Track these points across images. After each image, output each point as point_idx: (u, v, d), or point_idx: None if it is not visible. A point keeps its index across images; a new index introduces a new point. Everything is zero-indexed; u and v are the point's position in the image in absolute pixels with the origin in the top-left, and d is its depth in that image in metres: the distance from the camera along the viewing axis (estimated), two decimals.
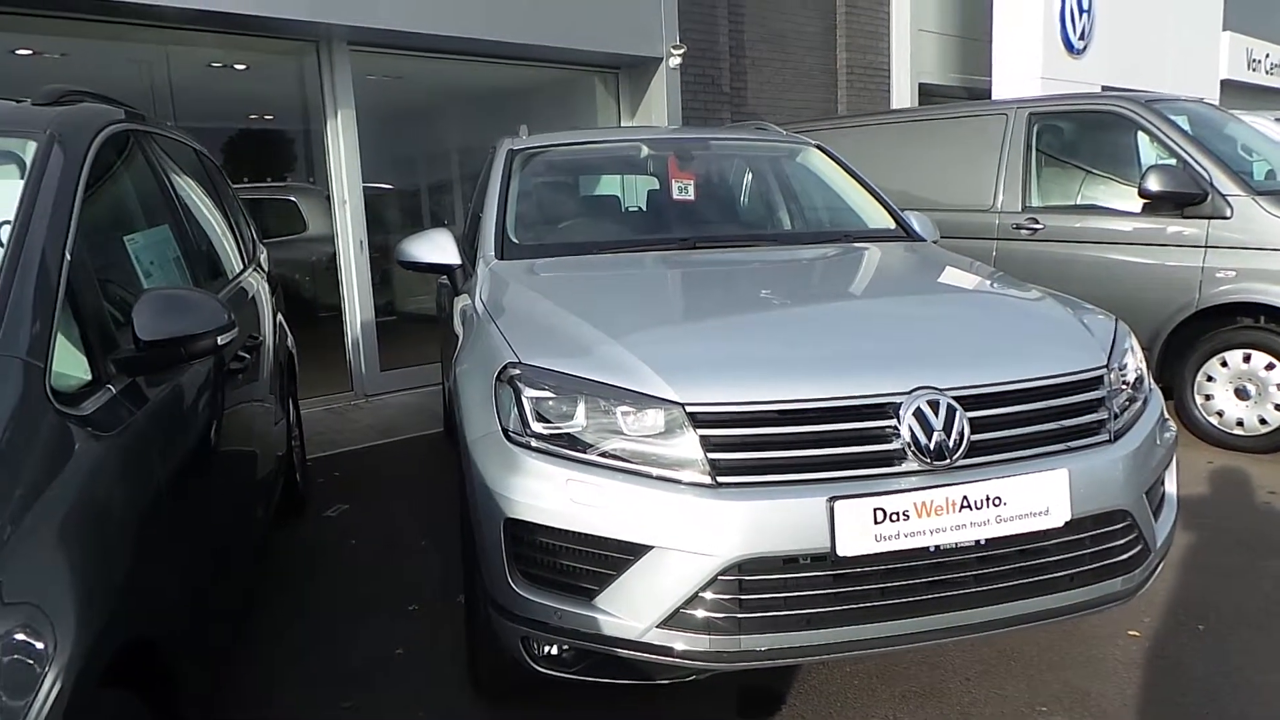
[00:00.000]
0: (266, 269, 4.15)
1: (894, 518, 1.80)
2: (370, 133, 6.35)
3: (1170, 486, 2.30)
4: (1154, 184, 4.54)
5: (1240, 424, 4.47)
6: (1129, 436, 2.07)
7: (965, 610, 1.87)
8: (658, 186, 3.44)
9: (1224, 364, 4.54)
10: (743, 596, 1.81)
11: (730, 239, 3.16)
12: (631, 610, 1.86)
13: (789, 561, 1.81)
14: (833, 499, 1.79)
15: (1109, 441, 2.04)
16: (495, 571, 2.03)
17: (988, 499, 1.85)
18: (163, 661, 1.56)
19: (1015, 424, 1.96)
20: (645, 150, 3.61)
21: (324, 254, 7.14)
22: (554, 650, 2.03)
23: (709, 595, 1.81)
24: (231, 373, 2.58)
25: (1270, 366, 4.38)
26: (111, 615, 1.34)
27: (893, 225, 3.36)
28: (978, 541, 1.85)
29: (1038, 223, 5.16)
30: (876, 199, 3.51)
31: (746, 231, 3.38)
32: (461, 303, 3.04)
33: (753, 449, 1.86)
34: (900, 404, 1.89)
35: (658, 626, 1.84)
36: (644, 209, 3.38)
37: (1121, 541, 2.02)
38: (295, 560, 3.55)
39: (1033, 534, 1.89)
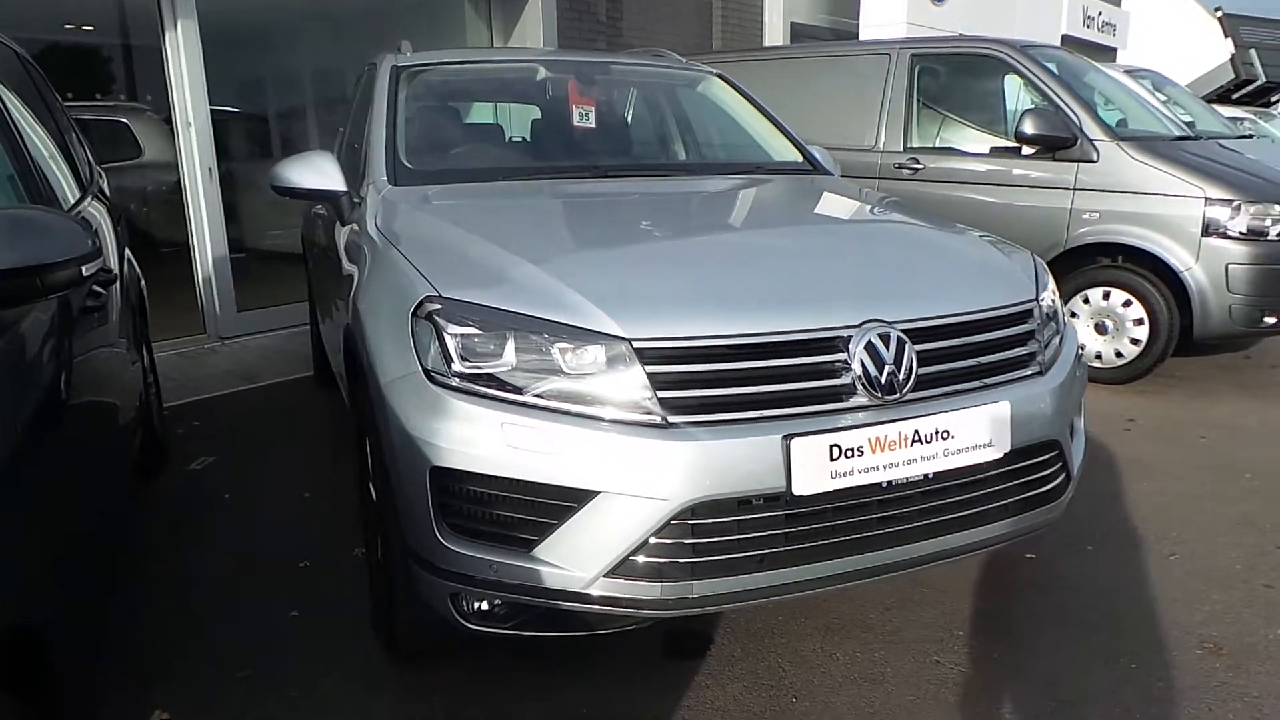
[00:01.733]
0: (108, 196, 3.68)
1: (848, 454, 1.75)
2: (217, 51, 5.73)
3: (1080, 418, 2.37)
4: (1029, 127, 4.69)
5: (1099, 357, 4.76)
6: (1056, 368, 2.11)
7: (913, 544, 1.86)
8: (558, 112, 3.23)
9: (1086, 301, 4.80)
10: (695, 541, 1.72)
11: (641, 168, 3.02)
12: (576, 560, 1.74)
13: (742, 503, 1.73)
14: (788, 437, 1.72)
15: (1039, 374, 2.06)
16: (419, 525, 1.86)
17: (936, 432, 1.82)
18: (40, 654, 1.32)
19: (957, 357, 1.94)
20: (543, 72, 3.38)
21: (165, 182, 6.48)
22: (485, 606, 1.89)
23: (659, 541, 1.71)
24: (83, 312, 2.23)
25: (1127, 303, 4.67)
26: None
27: (799, 158, 3.30)
28: (926, 476, 1.83)
29: (918, 163, 5.26)
30: (781, 131, 3.44)
31: (656, 161, 3.23)
32: (348, 234, 2.77)
33: (703, 386, 1.75)
34: (850, 337, 1.82)
35: (605, 576, 1.73)
36: (545, 135, 3.17)
37: (1050, 471, 2.06)
38: (164, 520, 3.22)
39: (976, 466, 1.89)
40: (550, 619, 1.84)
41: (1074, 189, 4.75)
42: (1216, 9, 17.14)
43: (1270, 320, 4.47)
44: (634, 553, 1.71)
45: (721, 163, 3.19)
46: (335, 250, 3.11)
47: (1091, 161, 4.69)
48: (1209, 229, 4.42)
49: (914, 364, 1.85)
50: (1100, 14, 17.28)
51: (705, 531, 1.72)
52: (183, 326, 5.70)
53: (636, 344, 1.74)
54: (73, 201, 2.86)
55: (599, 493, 1.71)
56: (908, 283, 2.05)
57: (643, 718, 2.09)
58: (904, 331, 1.86)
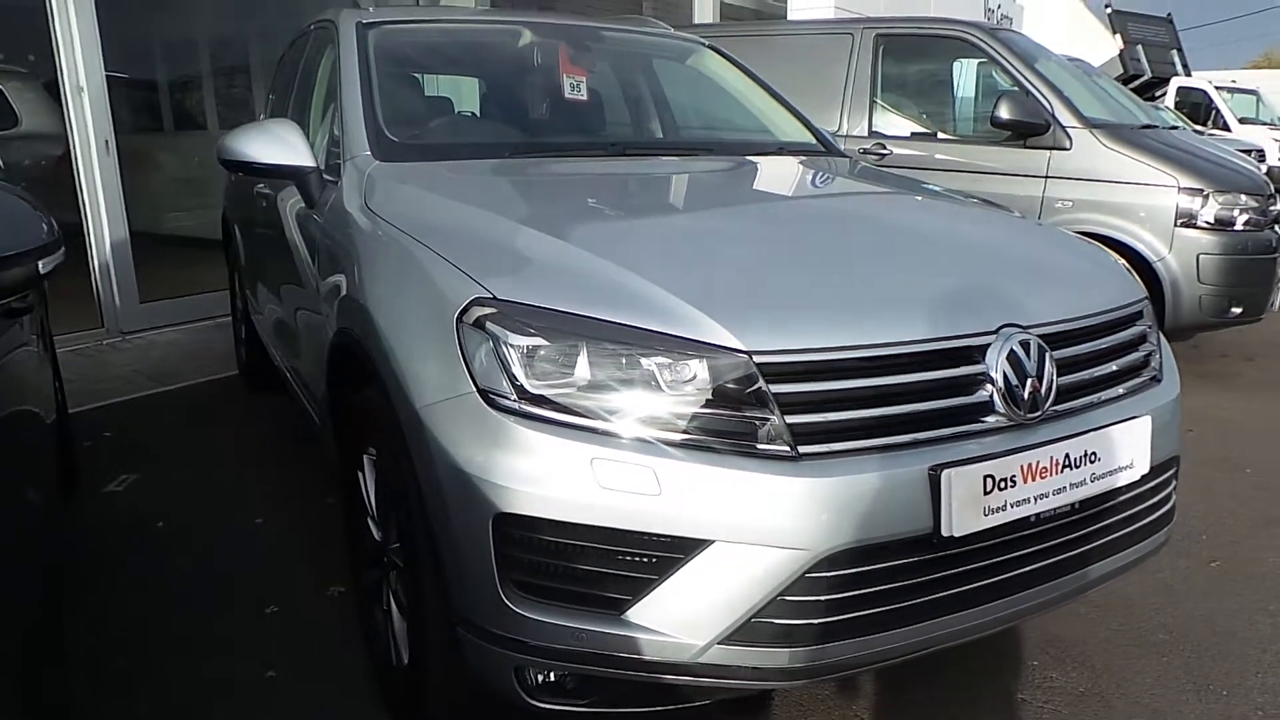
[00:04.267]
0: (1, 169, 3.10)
1: (1001, 485, 1.48)
2: (111, 8, 5.05)
3: None
4: (1005, 112, 4.56)
5: None
6: (1169, 375, 1.90)
7: (1053, 581, 1.61)
8: (555, 83, 2.85)
9: None
10: (830, 597, 1.42)
11: (662, 146, 2.68)
12: (682, 624, 1.41)
13: (880, 549, 1.44)
14: (936, 468, 1.44)
15: (1156, 380, 1.84)
16: (474, 584, 1.49)
17: (1086, 455, 1.58)
18: None
19: (1091, 365, 1.70)
20: (528, 36, 2.99)
21: (47, 156, 5.74)
22: (554, 678, 1.54)
23: (789, 599, 1.40)
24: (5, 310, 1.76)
25: None
26: None
27: (810, 139, 3.02)
28: (1073, 505, 1.58)
29: (885, 148, 5.08)
30: (786, 107, 3.16)
31: (672, 139, 2.89)
32: (322, 217, 2.34)
33: (835, 409, 1.45)
34: (989, 345, 1.55)
35: (720, 643, 1.41)
36: (544, 108, 2.79)
37: (1169, 490, 1.85)
38: (86, 556, 2.71)
39: (1116, 491, 1.65)
40: (636, 693, 1.51)
41: (1046, 176, 4.66)
42: (1106, 5, 17.85)
43: (1237, 310, 4.48)
44: (758, 614, 1.40)
45: (743, 143, 2.88)
46: (293, 235, 2.67)
47: (1064, 149, 4.60)
48: (1182, 218, 4.39)
49: (1054, 375, 1.59)
50: (999, 5, 17.79)
51: (842, 585, 1.42)
52: (77, 319, 5.03)
53: (758, 359, 1.42)
54: None
55: (712, 542, 1.39)
56: (1029, 281, 1.79)
57: None
58: (1041, 337, 1.60)
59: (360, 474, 2.03)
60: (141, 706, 2.03)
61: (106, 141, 5.04)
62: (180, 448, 3.59)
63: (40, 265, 1.17)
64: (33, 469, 1.88)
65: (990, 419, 1.54)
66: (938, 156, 4.96)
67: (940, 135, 5.08)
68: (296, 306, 2.64)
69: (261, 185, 3.16)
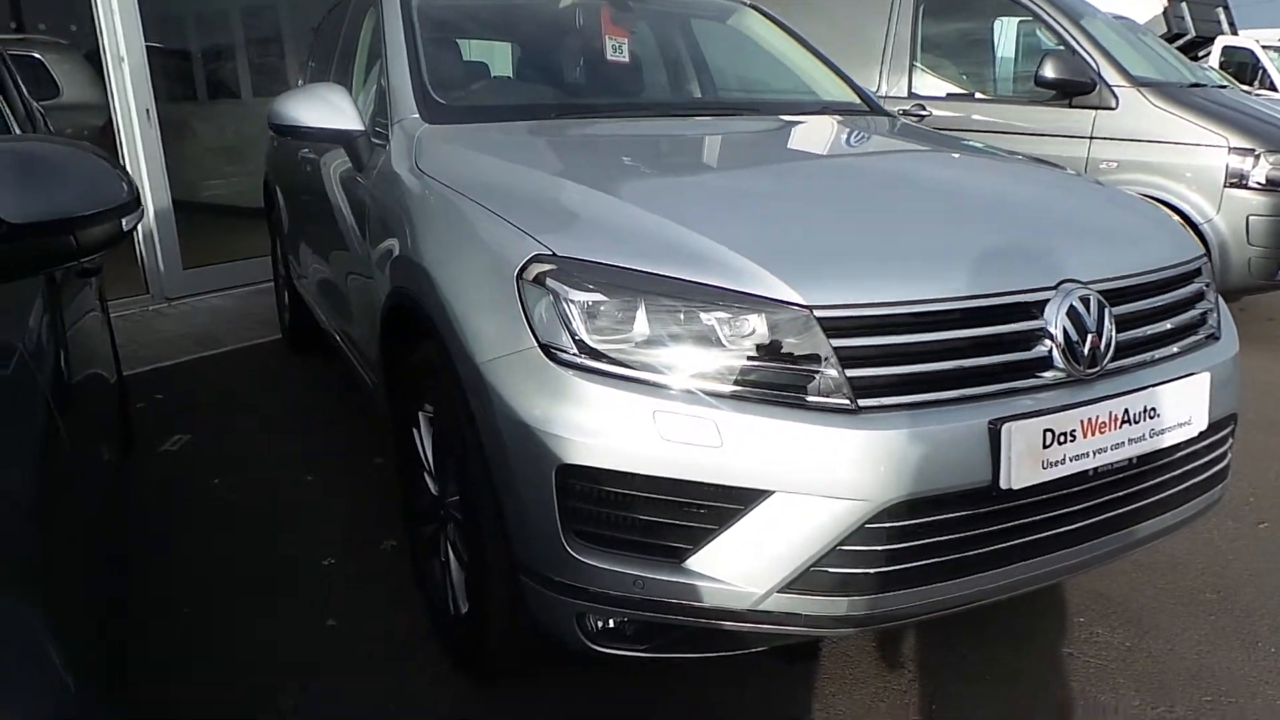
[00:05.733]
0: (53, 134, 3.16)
1: (1061, 439, 1.49)
2: None
3: None
4: (1050, 71, 4.48)
5: None
6: (1227, 333, 1.88)
7: (1108, 536, 1.62)
8: (591, 43, 2.85)
9: None
10: (888, 547, 1.44)
11: (707, 106, 2.67)
12: (743, 573, 1.44)
13: (938, 501, 1.45)
14: (996, 422, 1.45)
15: (1214, 338, 1.83)
16: (536, 534, 1.53)
17: (1145, 411, 1.58)
18: None
19: (1150, 320, 1.69)
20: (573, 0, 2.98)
21: (89, 126, 5.82)
22: (613, 624, 1.58)
23: (848, 549, 1.43)
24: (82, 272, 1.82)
25: None
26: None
27: (854, 98, 2.99)
28: (1130, 460, 1.59)
29: (924, 109, 5.00)
30: (828, 66, 3.13)
31: (715, 99, 2.88)
32: (371, 180, 2.37)
33: (895, 363, 1.46)
34: (1048, 300, 1.55)
35: (779, 591, 1.44)
36: (584, 69, 2.79)
37: (1226, 448, 1.84)
38: (146, 514, 2.79)
39: (1173, 447, 1.65)
40: (694, 639, 1.54)
41: (1090, 137, 4.58)
42: None
43: None
44: (817, 563, 1.42)
45: (789, 102, 2.86)
46: (340, 199, 2.70)
47: (1110, 109, 4.51)
48: (1232, 179, 4.30)
49: (1114, 331, 1.59)
50: None
51: (900, 536, 1.44)
52: (123, 287, 5.12)
53: (819, 312, 1.43)
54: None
55: (772, 493, 1.41)
56: (1088, 238, 1.78)
57: None
58: (1101, 292, 1.60)
59: (415, 431, 2.07)
60: (211, 652, 2.10)
61: (147, 110, 5.10)
62: (229, 410, 3.67)
63: (124, 223, 1.21)
64: (103, 428, 1.95)
65: (1048, 374, 1.55)
66: (975, 117, 4.88)
67: (979, 96, 5.00)
68: (346, 269, 2.68)
69: (306, 150, 3.19)
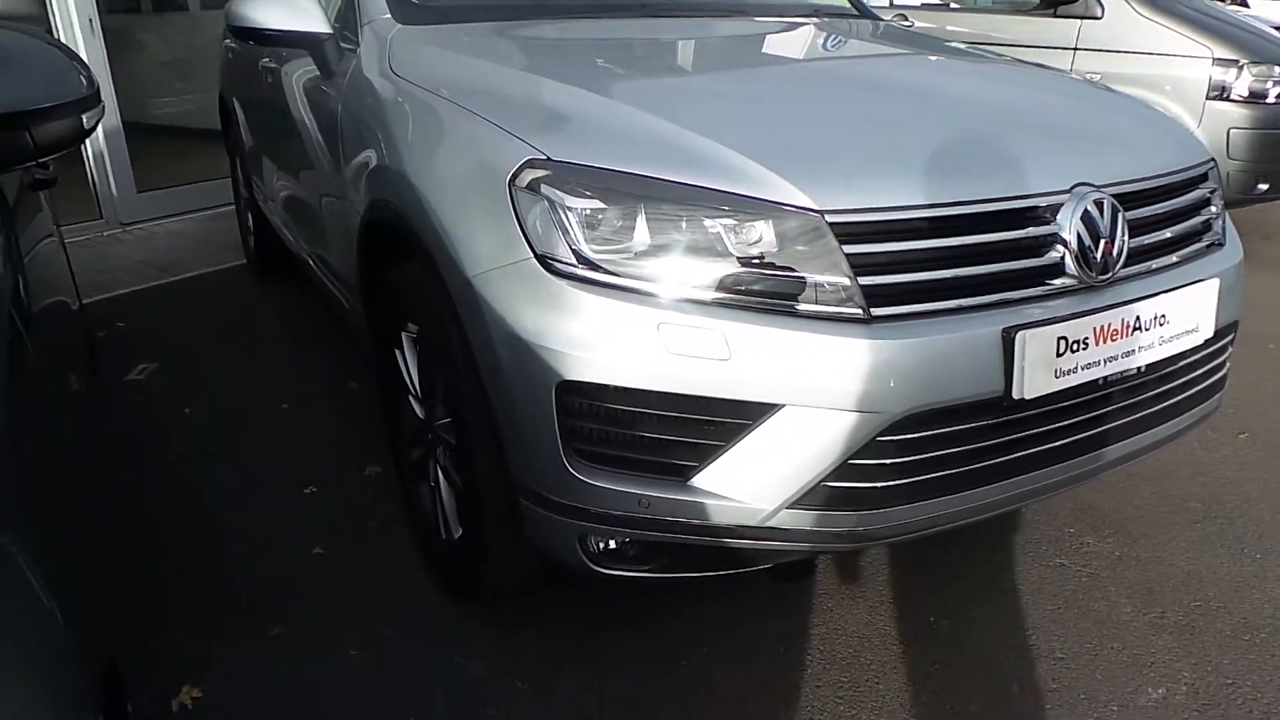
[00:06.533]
0: None
1: (1074, 348, 1.45)
2: None
3: None
4: None
5: None
6: (1231, 239, 1.85)
7: (1115, 444, 1.61)
8: None
9: None
10: (899, 460, 1.41)
11: (692, 7, 2.54)
12: (752, 489, 1.40)
13: (948, 412, 1.42)
14: (1010, 329, 1.40)
15: (1219, 245, 1.80)
16: (536, 454, 1.48)
17: (1156, 318, 1.55)
18: None
19: (1160, 226, 1.65)
20: None
21: None
22: (614, 545, 1.54)
23: (858, 462, 1.39)
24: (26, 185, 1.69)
25: None
26: None
27: (844, 3, 2.87)
28: (1139, 368, 1.56)
29: (906, 19, 4.87)
30: None
31: (703, 1, 2.73)
32: (343, 87, 2.23)
33: (907, 270, 1.40)
34: (1061, 205, 1.50)
35: (789, 508, 1.41)
36: None
37: (1227, 355, 1.83)
38: (117, 443, 2.70)
39: (1180, 354, 1.63)
40: (699, 558, 1.51)
41: (1075, 49, 4.49)
42: None
43: (1263, 187, 4.39)
44: (827, 478, 1.39)
45: (779, 5, 2.73)
46: (306, 111, 2.55)
47: (1095, 18, 4.42)
48: (1213, 91, 4.25)
49: (1126, 237, 1.55)
50: None
51: (910, 448, 1.41)
52: (75, 211, 4.88)
53: (830, 218, 1.36)
54: None
55: (782, 406, 1.36)
56: (1100, 141, 1.72)
57: (775, 647, 1.83)
58: (1115, 196, 1.54)
59: (398, 353, 1.99)
60: (194, 583, 2.05)
61: (90, 20, 4.79)
62: (196, 337, 3.55)
63: (85, 120, 1.09)
64: (71, 355, 1.85)
65: (1059, 281, 1.50)
66: (950, 28, 4.76)
67: (953, 5, 4.87)
68: (316, 186, 2.54)
69: (266, 59, 3.01)
